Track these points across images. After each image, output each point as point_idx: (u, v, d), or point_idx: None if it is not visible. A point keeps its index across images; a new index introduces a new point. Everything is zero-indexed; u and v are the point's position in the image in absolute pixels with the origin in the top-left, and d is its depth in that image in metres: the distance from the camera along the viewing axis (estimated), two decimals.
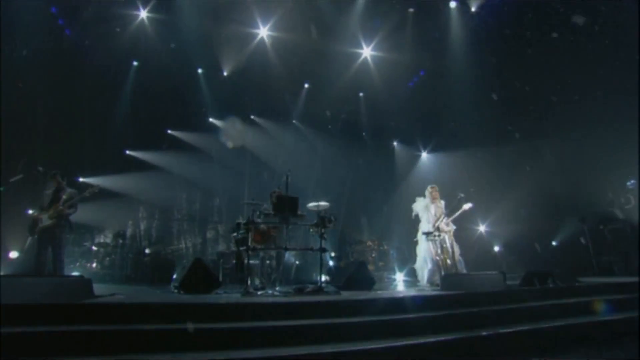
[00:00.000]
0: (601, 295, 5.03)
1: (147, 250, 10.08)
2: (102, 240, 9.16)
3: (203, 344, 3.39)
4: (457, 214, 6.93)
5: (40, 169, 5.21)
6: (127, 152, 10.47)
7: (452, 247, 6.86)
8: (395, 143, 12.28)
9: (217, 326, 3.59)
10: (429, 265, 6.71)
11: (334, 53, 10.89)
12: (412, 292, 5.40)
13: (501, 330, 4.01)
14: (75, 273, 7.55)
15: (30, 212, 6.03)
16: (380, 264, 10.13)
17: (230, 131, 10.85)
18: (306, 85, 11.78)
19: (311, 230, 5.43)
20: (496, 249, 10.90)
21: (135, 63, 10.41)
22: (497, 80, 10.67)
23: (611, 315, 4.62)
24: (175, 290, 5.07)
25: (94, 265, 8.49)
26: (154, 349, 3.32)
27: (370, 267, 10.06)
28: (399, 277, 9.05)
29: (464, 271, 6.62)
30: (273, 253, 6.17)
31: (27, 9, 8.37)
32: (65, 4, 9.20)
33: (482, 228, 11.07)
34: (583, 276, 7.44)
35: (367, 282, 5.69)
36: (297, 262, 10.82)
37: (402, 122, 11.79)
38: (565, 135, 9.59)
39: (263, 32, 10.41)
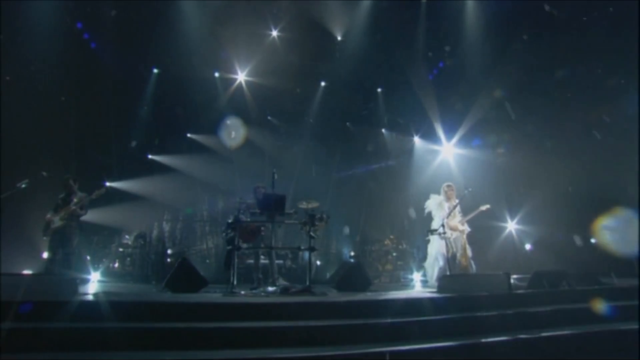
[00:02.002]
0: (618, 301, 4.45)
1: (169, 251, 10.43)
2: (124, 242, 9.55)
3: (169, 343, 3.39)
4: (473, 214, 6.61)
5: (44, 173, 5.49)
6: (150, 156, 10.82)
7: (464, 248, 6.53)
8: (415, 139, 11.81)
9: (178, 326, 3.57)
10: (440, 264, 6.43)
11: (348, 50, 10.72)
12: (408, 294, 5.09)
13: (492, 339, 3.65)
14: (96, 272, 7.93)
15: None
16: (399, 263, 9.79)
17: (231, 131, 10.94)
18: (322, 84, 11.64)
19: (302, 228, 5.31)
20: (527, 247, 10.18)
21: (155, 70, 10.79)
22: (522, 70, 9.98)
23: (627, 323, 4.08)
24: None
25: (116, 265, 8.89)
26: (121, 347, 3.36)
27: (389, 267, 9.82)
28: (416, 277, 8.69)
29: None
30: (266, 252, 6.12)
31: (54, 22, 8.94)
32: (90, 17, 9.73)
33: (512, 226, 10.37)
34: (622, 277, 6.74)
35: (362, 283, 5.46)
36: (319, 263, 10.76)
37: (422, 117, 11.31)
38: (602, 126, 8.83)
39: (275, 32, 10.45)
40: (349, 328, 3.64)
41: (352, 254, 10.88)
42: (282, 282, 7.51)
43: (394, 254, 10.18)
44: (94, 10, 9.60)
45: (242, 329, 3.50)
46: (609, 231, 8.55)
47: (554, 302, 4.42)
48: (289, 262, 9.38)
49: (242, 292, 4.96)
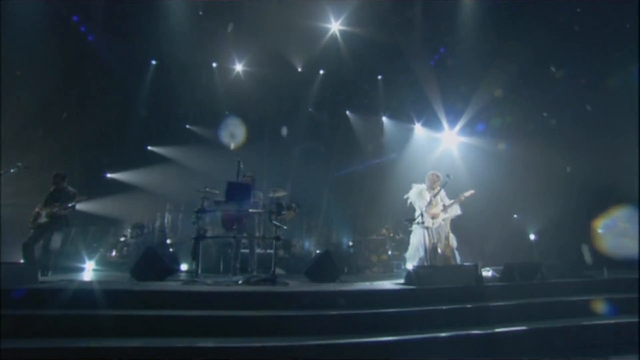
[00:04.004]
0: (599, 294, 4.16)
1: (168, 241, 10.62)
2: (123, 232, 9.80)
3: (119, 331, 3.42)
4: (454, 202, 6.34)
5: (20, 164, 5.61)
6: (149, 147, 11.00)
7: (447, 237, 6.31)
8: (414, 126, 11.46)
9: (127, 313, 3.59)
10: (421, 254, 6.28)
11: (344, 35, 10.49)
12: (370, 286, 4.96)
13: (443, 334, 3.47)
14: (90, 261, 8.16)
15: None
16: (395, 253, 9.62)
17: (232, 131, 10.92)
18: (321, 72, 11.45)
19: (269, 217, 5.23)
20: (532, 237, 9.76)
21: (153, 62, 10.89)
22: (531, 58, 9.48)
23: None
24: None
25: (113, 254, 9.13)
26: (69, 334, 3.41)
27: (384, 257, 9.67)
28: (410, 267, 8.50)
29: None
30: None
31: (50, 15, 9.10)
32: (86, 10, 9.88)
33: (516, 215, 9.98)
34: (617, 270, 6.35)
35: (332, 273, 5.34)
36: (318, 252, 10.72)
37: (424, 104, 10.96)
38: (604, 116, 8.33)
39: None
40: (293, 319, 3.58)
41: (351, 244, 10.79)
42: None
43: (392, 244, 10.04)
44: (90, 2, 9.75)
45: (181, 318, 3.49)
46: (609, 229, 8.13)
47: (521, 295, 4.18)
48: (281, 252, 9.36)
49: (208, 282, 4.95)
